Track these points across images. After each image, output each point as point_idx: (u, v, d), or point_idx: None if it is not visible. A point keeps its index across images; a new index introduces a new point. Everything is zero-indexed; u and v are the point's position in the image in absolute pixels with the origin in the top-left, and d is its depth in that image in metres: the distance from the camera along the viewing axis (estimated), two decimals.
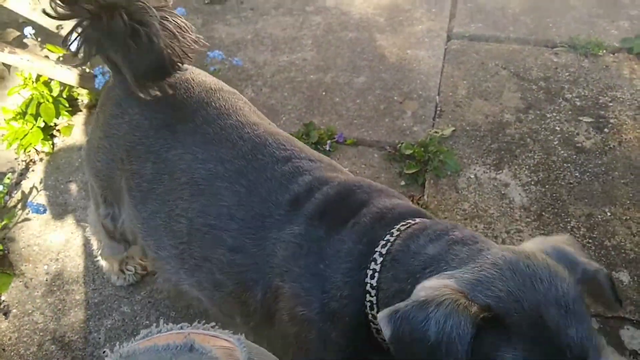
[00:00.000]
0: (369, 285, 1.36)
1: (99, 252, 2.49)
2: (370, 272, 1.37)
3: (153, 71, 1.67)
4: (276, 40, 3.59)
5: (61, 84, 3.16)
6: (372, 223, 1.45)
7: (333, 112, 3.16)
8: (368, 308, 1.37)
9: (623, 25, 3.53)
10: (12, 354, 2.43)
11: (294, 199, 1.54)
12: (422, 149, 2.88)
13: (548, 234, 2.59)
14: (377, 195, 1.54)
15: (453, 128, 3.02)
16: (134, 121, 1.78)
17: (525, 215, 2.67)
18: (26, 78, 3.11)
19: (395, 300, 1.29)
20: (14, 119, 3.05)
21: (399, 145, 2.94)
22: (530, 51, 3.42)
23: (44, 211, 2.79)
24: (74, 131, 3.18)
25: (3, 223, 2.78)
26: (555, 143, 2.95)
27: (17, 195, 2.95)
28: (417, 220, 1.44)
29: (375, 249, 1.39)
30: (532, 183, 2.79)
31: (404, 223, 1.43)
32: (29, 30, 3.21)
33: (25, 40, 3.53)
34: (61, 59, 3.26)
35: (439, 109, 3.14)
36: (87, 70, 3.17)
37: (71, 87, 3.20)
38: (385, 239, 1.40)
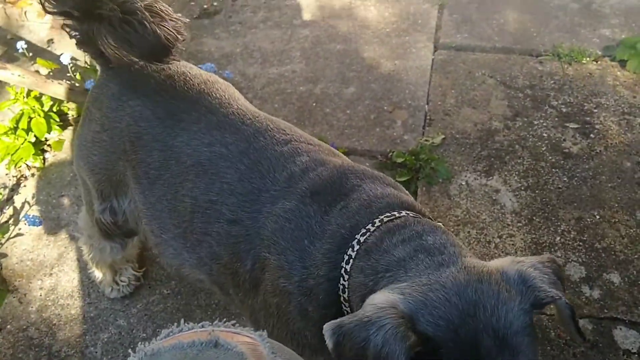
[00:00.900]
0: (343, 269, 1.41)
1: (91, 258, 2.48)
2: (346, 257, 1.42)
3: (156, 50, 1.74)
4: (265, 53, 3.62)
5: (52, 98, 3.16)
6: (358, 209, 1.49)
7: (324, 123, 3.19)
8: (340, 290, 1.43)
9: (604, 33, 3.61)
10: None
11: (290, 176, 1.60)
12: (414, 157, 2.92)
13: (539, 238, 2.64)
14: (370, 181, 1.59)
15: (443, 136, 3.06)
16: (136, 113, 1.83)
17: (516, 220, 2.71)
18: (17, 93, 3.10)
19: (358, 290, 1.37)
20: (5, 134, 3.04)
21: (391, 153, 2.98)
22: (516, 60, 3.48)
23: (40, 223, 2.78)
24: (64, 145, 3.17)
25: None
26: (543, 149, 3.00)
27: (9, 211, 2.93)
28: (403, 213, 1.48)
29: (356, 236, 1.44)
30: (522, 188, 2.83)
31: (388, 214, 1.47)
32: (21, 45, 3.20)
33: (15, 55, 3.52)
34: (51, 73, 3.27)
35: (428, 117, 3.18)
36: (77, 85, 3.18)
37: (61, 101, 3.20)
38: (366, 227, 1.44)
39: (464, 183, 2.86)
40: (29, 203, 2.96)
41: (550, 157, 2.96)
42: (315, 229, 1.50)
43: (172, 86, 1.84)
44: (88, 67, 3.21)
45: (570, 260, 2.56)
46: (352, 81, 3.40)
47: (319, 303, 1.46)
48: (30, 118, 3.06)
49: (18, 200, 2.98)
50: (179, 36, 1.79)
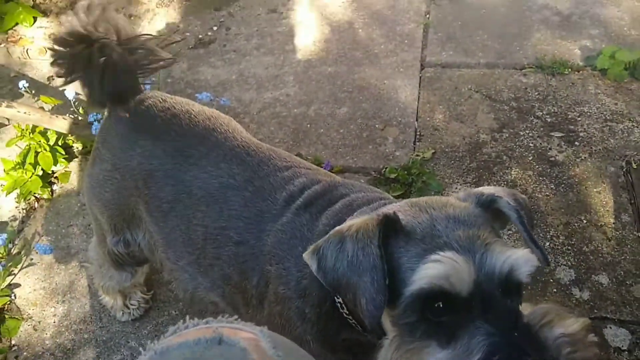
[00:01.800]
0: None
1: (102, 286, 2.60)
2: None
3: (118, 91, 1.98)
4: (260, 78, 3.76)
5: (57, 132, 3.29)
6: (341, 208, 1.64)
7: (319, 143, 3.31)
8: None
9: (585, 44, 3.75)
10: None
11: (289, 196, 1.75)
12: (406, 172, 3.04)
13: None
14: (357, 190, 1.74)
15: (433, 150, 3.19)
16: (147, 152, 1.98)
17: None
18: (23, 130, 3.24)
19: None
20: (13, 169, 3.16)
21: (384, 169, 3.10)
22: (500, 74, 3.62)
23: (51, 251, 2.89)
24: (71, 177, 3.30)
25: (9, 270, 2.88)
26: (530, 158, 3.12)
27: (21, 242, 3.05)
28: (376, 204, 1.60)
29: None
30: None
31: (365, 208, 1.59)
32: (23, 84, 3.34)
33: (19, 92, 3.65)
34: (55, 109, 3.40)
35: (418, 133, 3.31)
36: (80, 118, 3.31)
37: (66, 135, 3.33)
38: (347, 220, 1.56)
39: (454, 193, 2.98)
40: (39, 233, 3.08)
41: (537, 166, 3.08)
42: (307, 234, 1.64)
43: (179, 124, 1.98)
44: None
45: (559, 264, 2.67)
46: (344, 101, 3.53)
47: (314, 301, 1.56)
48: (37, 152, 3.19)
49: (28, 231, 3.10)
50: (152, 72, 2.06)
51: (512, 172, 3.06)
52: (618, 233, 2.77)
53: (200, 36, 4.12)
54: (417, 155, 3.15)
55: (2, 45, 4.17)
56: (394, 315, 1.27)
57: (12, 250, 3.02)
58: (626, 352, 2.40)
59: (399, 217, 1.30)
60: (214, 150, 1.91)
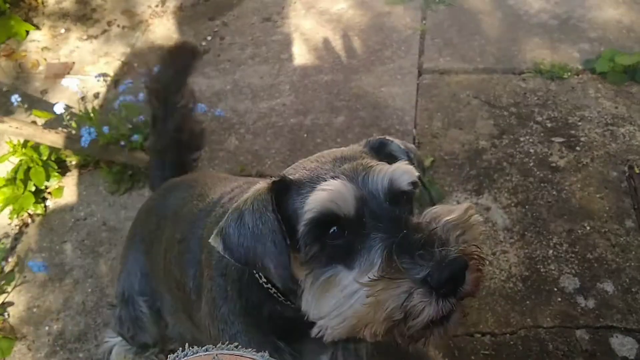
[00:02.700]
0: None
1: None
2: None
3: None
4: (255, 88, 3.71)
5: (50, 147, 3.24)
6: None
7: (316, 152, 3.25)
8: None
9: (584, 47, 3.70)
10: None
11: (220, 195, 1.88)
12: None
13: (532, 253, 2.69)
14: None
15: (432, 158, 3.13)
16: (153, 202, 2.31)
17: (509, 237, 2.77)
18: (15, 145, 3.19)
19: None
20: (5, 185, 3.11)
21: None
22: (499, 79, 3.57)
23: (46, 269, 2.84)
24: (64, 192, 3.25)
25: (2, 288, 2.82)
26: (531, 165, 3.07)
27: (14, 260, 3.00)
28: None
29: None
30: (513, 205, 2.89)
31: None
32: (15, 98, 3.29)
33: (11, 108, 3.61)
34: (47, 123, 3.35)
35: (417, 141, 3.25)
36: (73, 132, 3.26)
37: (59, 149, 3.28)
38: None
39: (455, 203, 2.93)
40: (32, 251, 3.03)
41: (538, 172, 3.03)
42: None
43: (177, 179, 2.28)
44: (82, 114, 3.30)
45: (563, 272, 2.62)
46: (341, 110, 3.48)
47: (233, 276, 1.61)
48: (29, 168, 3.14)
49: (21, 248, 3.04)
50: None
51: (513, 179, 3.00)
52: (622, 239, 2.71)
53: None
54: None
55: None
56: (301, 257, 1.33)
57: (5, 268, 2.97)
58: None
59: (285, 176, 1.38)
60: (188, 184, 2.15)
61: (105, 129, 3.08)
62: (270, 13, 4.24)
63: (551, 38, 3.81)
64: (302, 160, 1.47)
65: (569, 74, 3.54)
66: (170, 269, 1.95)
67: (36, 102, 3.75)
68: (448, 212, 1.31)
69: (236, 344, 0.97)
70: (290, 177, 1.37)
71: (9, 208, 3.11)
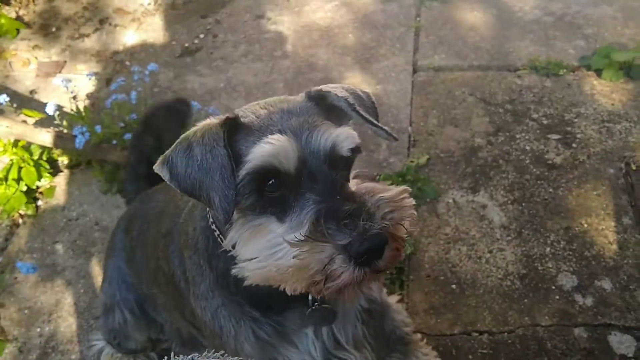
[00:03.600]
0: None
1: None
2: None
3: None
4: (248, 86, 3.68)
5: (41, 146, 3.19)
6: None
7: None
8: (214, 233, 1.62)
9: (579, 44, 3.69)
10: None
11: None
12: (400, 178, 2.96)
13: (529, 251, 2.67)
14: None
15: (428, 156, 3.11)
16: (134, 209, 2.36)
17: (505, 234, 2.74)
18: (5, 144, 3.14)
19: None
20: None
21: (378, 176, 3.02)
22: (494, 76, 3.55)
23: (35, 270, 2.80)
24: (56, 192, 3.20)
25: None
26: (527, 162, 3.05)
27: (4, 260, 2.95)
28: None
29: None
30: (509, 202, 2.87)
31: None
32: (3, 98, 3.24)
33: (1, 106, 3.56)
34: (39, 122, 3.31)
35: (412, 139, 3.23)
36: (65, 131, 3.22)
37: (50, 149, 3.24)
38: None
39: (451, 201, 2.90)
40: (23, 251, 2.98)
41: (534, 170, 3.01)
42: (200, 211, 1.72)
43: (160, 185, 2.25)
44: (74, 114, 3.25)
45: (561, 270, 2.59)
46: None
47: (201, 248, 1.66)
48: (20, 167, 3.09)
49: (12, 249, 2.99)
50: None
51: (509, 177, 2.98)
52: (620, 237, 2.69)
53: (186, 44, 4.04)
54: (412, 162, 3.07)
55: None
56: (236, 200, 1.36)
57: None
58: (632, 359, 2.32)
59: (238, 115, 1.41)
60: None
61: (98, 128, 3.04)
62: (263, 10, 4.20)
63: (546, 35, 3.79)
64: (253, 104, 1.51)
65: (565, 70, 3.53)
66: (159, 265, 1.95)
67: (27, 101, 3.70)
68: (384, 189, 1.37)
69: (222, 352, 0.95)
70: (242, 119, 1.41)
71: (0, 208, 3.06)
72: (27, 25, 4.31)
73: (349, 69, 3.69)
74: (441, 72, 3.61)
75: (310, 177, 1.35)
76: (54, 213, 3.14)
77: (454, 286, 2.59)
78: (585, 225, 2.75)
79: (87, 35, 4.20)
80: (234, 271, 1.44)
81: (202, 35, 4.08)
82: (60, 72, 3.92)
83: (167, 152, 1.41)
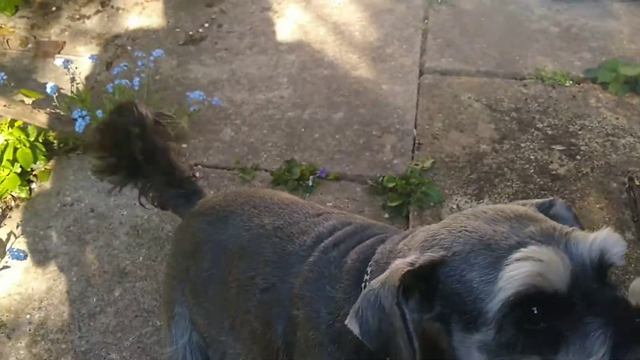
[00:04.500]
0: None
1: None
2: (363, 285, 1.36)
3: None
4: (252, 79, 3.62)
5: (38, 128, 3.11)
6: (372, 244, 1.48)
7: (313, 148, 3.19)
8: None
9: (585, 56, 3.68)
10: None
11: (317, 237, 1.61)
12: (404, 181, 2.92)
13: None
14: (393, 232, 1.58)
15: (432, 160, 3.08)
16: (194, 229, 1.92)
17: None
18: (1, 124, 3.06)
19: None
20: None
21: (381, 178, 2.98)
22: (500, 83, 3.53)
23: (25, 257, 2.73)
24: (51, 176, 3.13)
25: None
26: (531, 171, 3.03)
27: None
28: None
29: (367, 269, 1.39)
30: None
31: (395, 237, 1.45)
32: (1, 76, 3.15)
33: None
34: (36, 103, 3.22)
35: (417, 141, 3.20)
36: (63, 113, 3.14)
37: (47, 131, 3.16)
38: (374, 259, 1.40)
39: (455, 207, 2.88)
40: (15, 235, 2.91)
41: (538, 179, 2.99)
42: (335, 272, 1.48)
43: (225, 200, 1.92)
44: (74, 96, 3.18)
45: None
46: (340, 106, 3.41)
47: (350, 348, 1.40)
48: (16, 148, 3.01)
49: (3, 232, 2.92)
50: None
51: (514, 185, 2.96)
52: None
53: (190, 32, 3.97)
54: (416, 165, 3.04)
55: None
56: (481, 340, 1.11)
57: None
58: None
59: (434, 258, 1.15)
60: (249, 210, 1.83)
61: (99, 112, 2.96)
62: (271, 3, 4.14)
63: (552, 45, 3.78)
64: (450, 220, 1.23)
65: (570, 82, 3.52)
66: (246, 319, 1.72)
67: (24, 81, 3.61)
68: None
69: None
70: (445, 250, 1.15)
71: None
72: (26, 2, 4.21)
73: (355, 67, 3.65)
74: (448, 75, 3.58)
75: (583, 296, 1.06)
76: (48, 197, 3.06)
77: None
78: None
79: (88, 17, 4.11)
80: None
81: (206, 24, 4.02)
82: (59, 53, 3.83)
83: (356, 302, 1.20)
